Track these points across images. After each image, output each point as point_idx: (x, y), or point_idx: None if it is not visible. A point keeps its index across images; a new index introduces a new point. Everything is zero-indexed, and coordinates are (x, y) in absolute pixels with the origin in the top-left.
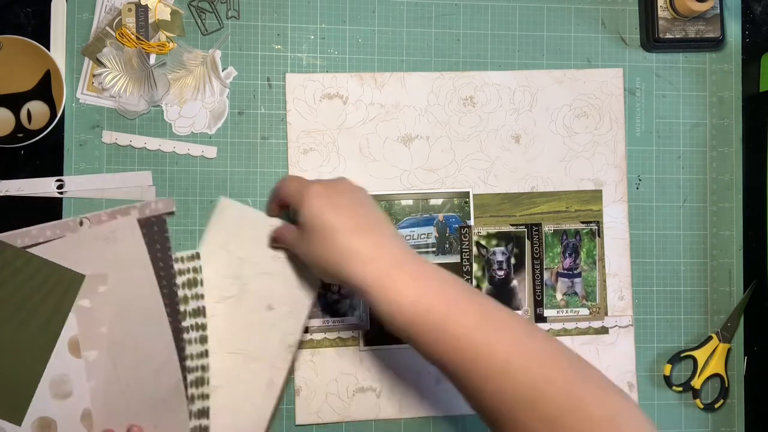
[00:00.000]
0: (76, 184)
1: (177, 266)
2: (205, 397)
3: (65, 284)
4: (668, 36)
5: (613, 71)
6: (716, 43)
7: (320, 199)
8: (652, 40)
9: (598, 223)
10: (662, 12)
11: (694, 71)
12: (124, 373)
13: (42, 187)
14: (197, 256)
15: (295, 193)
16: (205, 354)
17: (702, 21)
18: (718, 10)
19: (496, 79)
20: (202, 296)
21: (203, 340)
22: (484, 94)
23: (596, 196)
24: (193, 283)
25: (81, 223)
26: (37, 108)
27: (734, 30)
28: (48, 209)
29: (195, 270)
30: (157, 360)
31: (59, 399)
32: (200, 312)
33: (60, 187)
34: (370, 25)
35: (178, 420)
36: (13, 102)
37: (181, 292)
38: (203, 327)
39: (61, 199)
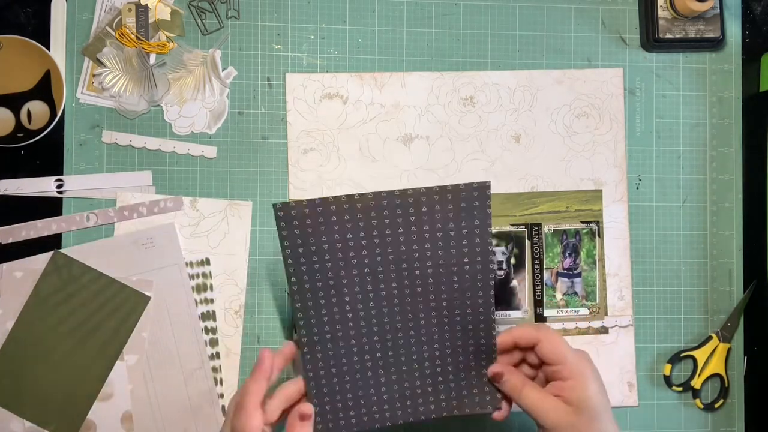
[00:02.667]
0: (75, 184)
1: (187, 271)
2: (219, 396)
3: (130, 305)
4: (668, 36)
5: (613, 71)
6: (716, 43)
7: (599, 381)
8: (652, 40)
9: (598, 223)
10: (662, 12)
11: (694, 71)
12: (158, 377)
13: (42, 186)
14: (207, 262)
15: (565, 360)
16: (216, 356)
17: (702, 21)
18: (718, 10)
19: (496, 79)
20: (212, 301)
21: (214, 343)
22: (484, 94)
23: (596, 196)
24: (202, 288)
25: (87, 219)
26: (37, 108)
27: (734, 30)
28: (48, 209)
29: (205, 275)
30: (189, 365)
31: (100, 401)
32: (210, 316)
33: (60, 186)
34: (370, 25)
35: (210, 425)
36: (13, 102)
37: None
38: (213, 330)
39: (60, 198)
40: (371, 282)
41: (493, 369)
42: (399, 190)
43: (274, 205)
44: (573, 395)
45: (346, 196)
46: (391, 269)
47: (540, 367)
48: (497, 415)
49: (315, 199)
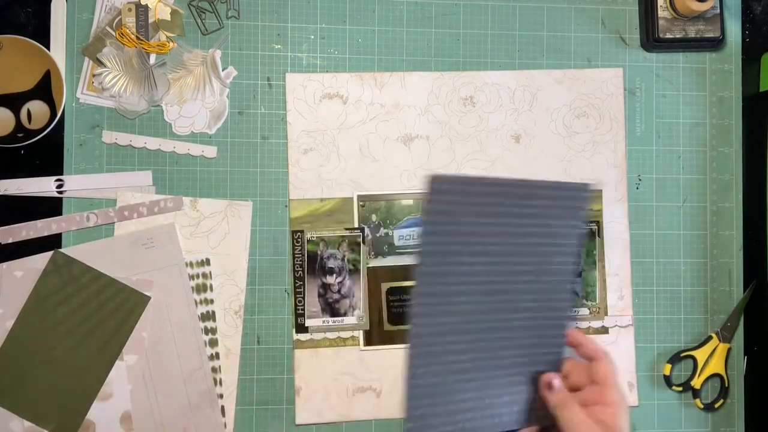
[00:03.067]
0: (75, 184)
1: (187, 271)
2: (218, 396)
3: (130, 305)
4: (668, 36)
5: (613, 71)
6: (716, 43)
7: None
8: (652, 40)
9: (598, 223)
10: (662, 12)
11: (694, 71)
12: (157, 377)
13: (42, 186)
14: (207, 262)
15: (613, 385)
16: (215, 356)
17: (702, 21)
18: (718, 10)
19: (496, 79)
20: (212, 301)
21: (213, 343)
22: (484, 94)
23: (596, 196)
24: (202, 288)
25: (87, 219)
26: (37, 108)
27: (734, 30)
28: (48, 209)
29: (205, 275)
30: (189, 366)
31: (100, 401)
32: (210, 316)
33: (60, 186)
34: (370, 25)
35: (210, 425)
36: (13, 102)
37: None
38: (213, 331)
39: (60, 198)
40: (485, 273)
41: (550, 376)
42: (519, 180)
43: (430, 176)
44: (613, 422)
45: (490, 177)
46: (501, 262)
47: (579, 389)
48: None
49: (463, 176)
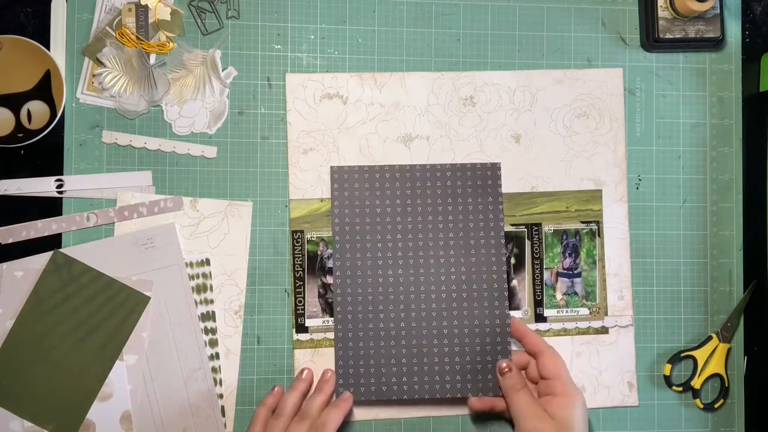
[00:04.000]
0: (75, 184)
1: (187, 271)
2: (218, 397)
3: (130, 305)
4: (668, 36)
5: (613, 71)
6: (716, 43)
7: (585, 411)
8: (652, 40)
9: (598, 223)
10: (662, 12)
11: (694, 71)
12: (157, 377)
13: (41, 186)
14: (207, 262)
15: (561, 377)
16: (216, 356)
17: (702, 21)
18: (718, 10)
19: (496, 79)
20: (212, 301)
21: (213, 343)
22: (484, 94)
23: (596, 196)
24: (202, 288)
25: (87, 219)
26: (37, 108)
27: (734, 30)
28: (48, 209)
29: (205, 276)
30: (189, 366)
31: (100, 401)
32: (210, 316)
33: (59, 186)
34: (370, 25)
35: (210, 425)
36: (13, 102)
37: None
38: (213, 331)
39: (60, 198)
40: (401, 249)
41: (503, 362)
42: (430, 164)
43: (331, 167)
44: (560, 412)
45: (388, 165)
46: (419, 238)
47: (535, 383)
48: (475, 402)
49: (364, 166)
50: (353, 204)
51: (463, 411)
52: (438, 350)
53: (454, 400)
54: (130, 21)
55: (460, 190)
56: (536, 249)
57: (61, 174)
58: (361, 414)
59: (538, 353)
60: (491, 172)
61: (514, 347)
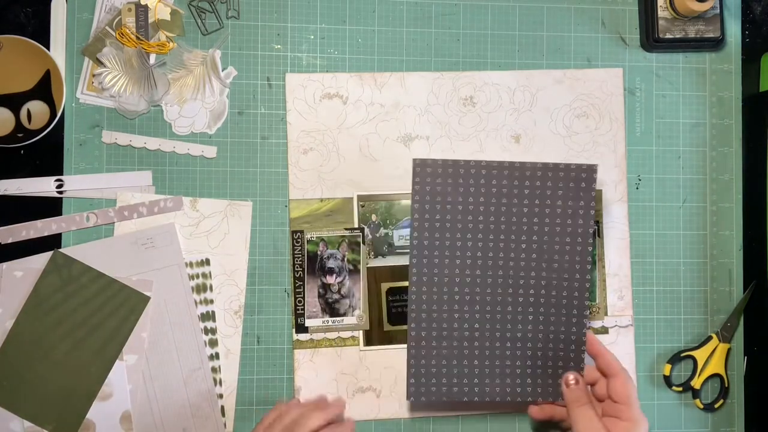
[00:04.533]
0: (75, 184)
1: (187, 271)
2: (218, 397)
3: (130, 305)
4: (668, 36)
5: (613, 71)
6: (716, 43)
7: None
8: (652, 40)
9: (598, 223)
10: (662, 12)
11: (694, 71)
12: (157, 377)
13: (41, 186)
14: (207, 262)
15: (631, 403)
16: (215, 356)
17: (702, 21)
18: (718, 10)
19: (496, 79)
20: (212, 301)
21: (213, 343)
22: (484, 94)
23: (596, 196)
24: (202, 288)
25: (87, 219)
26: (37, 108)
27: (734, 30)
28: (48, 209)
29: (204, 275)
30: (189, 366)
31: (100, 401)
32: (210, 316)
33: (59, 186)
34: (370, 25)
35: (210, 425)
36: (13, 102)
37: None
38: (213, 331)
39: (60, 198)
40: (482, 249)
41: (570, 374)
42: (520, 163)
43: (414, 160)
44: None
45: (474, 161)
46: (501, 239)
47: (600, 401)
48: (535, 411)
49: (448, 160)
50: (434, 200)
51: (463, 411)
52: (510, 353)
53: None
54: (130, 21)
55: (550, 191)
56: None
57: (61, 174)
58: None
59: (610, 375)
60: (586, 174)
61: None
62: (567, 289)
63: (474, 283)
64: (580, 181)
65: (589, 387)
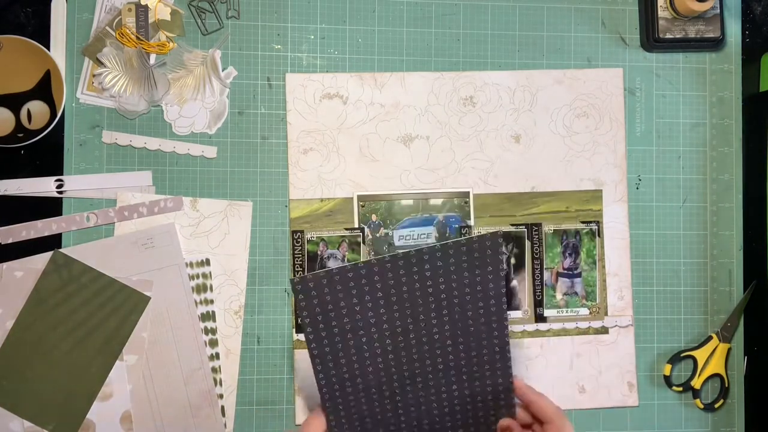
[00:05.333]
0: (75, 184)
1: (187, 271)
2: (218, 397)
3: (130, 305)
4: (668, 36)
5: (613, 71)
6: (716, 43)
7: None
8: (652, 40)
9: (598, 223)
10: (662, 12)
11: (694, 71)
12: (157, 377)
13: (41, 186)
14: (207, 262)
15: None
16: (216, 356)
17: (702, 21)
18: (718, 10)
19: (496, 79)
20: (212, 301)
21: (213, 343)
22: (484, 94)
23: (596, 196)
24: (202, 288)
25: (87, 219)
26: (37, 108)
27: (734, 30)
28: (48, 209)
29: (204, 276)
30: (189, 366)
31: (100, 401)
32: (210, 316)
33: (59, 186)
34: (370, 25)
35: (210, 425)
36: (13, 102)
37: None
38: (213, 331)
39: (60, 198)
40: (390, 337)
41: (505, 421)
42: (414, 251)
43: (291, 280)
44: None
45: (363, 262)
46: (408, 323)
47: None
48: None
49: (332, 269)
50: (326, 309)
51: None
52: (441, 419)
53: None
54: (130, 21)
55: (454, 267)
56: (536, 249)
57: (61, 174)
58: None
59: (545, 421)
60: (491, 242)
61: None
62: (488, 347)
63: (389, 372)
64: (485, 249)
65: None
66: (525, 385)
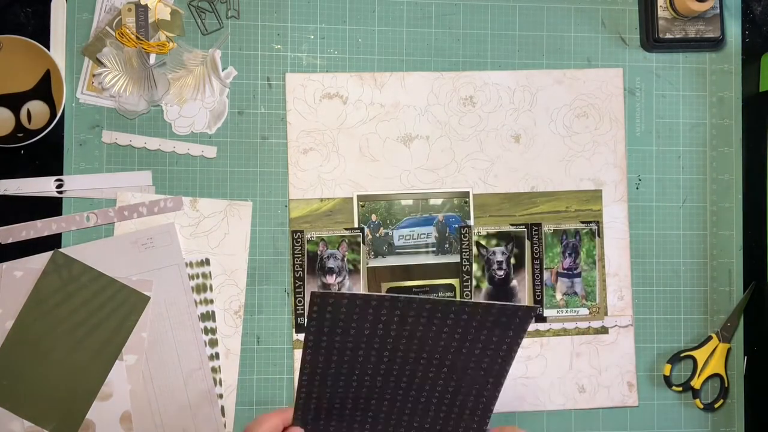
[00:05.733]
0: (75, 184)
1: (187, 271)
2: (218, 397)
3: (130, 305)
4: (668, 36)
5: (613, 71)
6: (716, 43)
7: None
8: (652, 40)
9: (598, 223)
10: (662, 12)
11: (694, 71)
12: (157, 377)
13: (41, 186)
14: (207, 262)
15: None
16: (215, 356)
17: (702, 21)
18: (718, 10)
19: (496, 79)
20: (212, 301)
21: (213, 343)
22: (484, 94)
23: (596, 196)
24: (202, 288)
25: (87, 219)
26: (37, 108)
27: (734, 30)
28: (48, 209)
29: (204, 275)
30: (189, 366)
31: (99, 401)
32: (210, 316)
33: (59, 186)
34: (370, 25)
35: (210, 425)
36: (13, 102)
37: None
38: (213, 331)
39: (60, 198)
40: (386, 364)
41: None
42: (446, 300)
43: (312, 293)
44: None
45: (390, 296)
46: (411, 357)
47: None
48: None
49: (356, 294)
50: (335, 332)
51: None
52: None
53: None
54: (130, 21)
55: (476, 323)
56: (536, 249)
57: (61, 174)
58: None
59: None
60: (523, 313)
61: None
62: (475, 397)
63: (370, 396)
64: (515, 318)
65: None
66: None
